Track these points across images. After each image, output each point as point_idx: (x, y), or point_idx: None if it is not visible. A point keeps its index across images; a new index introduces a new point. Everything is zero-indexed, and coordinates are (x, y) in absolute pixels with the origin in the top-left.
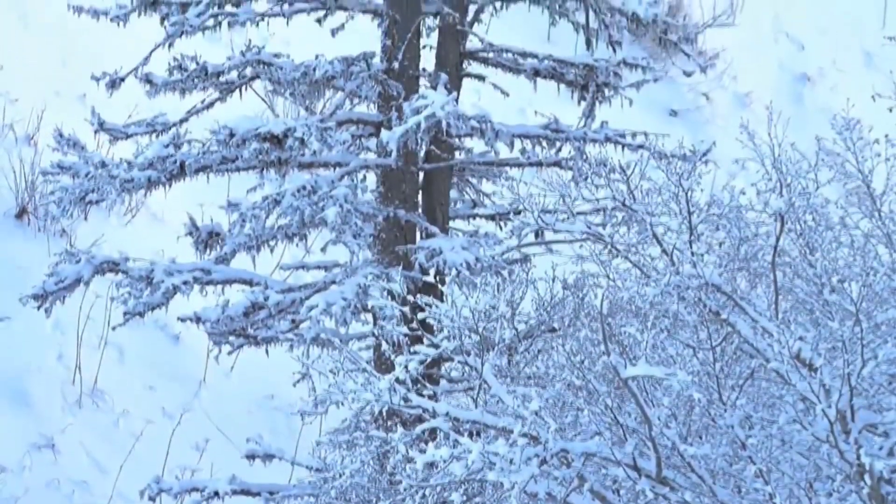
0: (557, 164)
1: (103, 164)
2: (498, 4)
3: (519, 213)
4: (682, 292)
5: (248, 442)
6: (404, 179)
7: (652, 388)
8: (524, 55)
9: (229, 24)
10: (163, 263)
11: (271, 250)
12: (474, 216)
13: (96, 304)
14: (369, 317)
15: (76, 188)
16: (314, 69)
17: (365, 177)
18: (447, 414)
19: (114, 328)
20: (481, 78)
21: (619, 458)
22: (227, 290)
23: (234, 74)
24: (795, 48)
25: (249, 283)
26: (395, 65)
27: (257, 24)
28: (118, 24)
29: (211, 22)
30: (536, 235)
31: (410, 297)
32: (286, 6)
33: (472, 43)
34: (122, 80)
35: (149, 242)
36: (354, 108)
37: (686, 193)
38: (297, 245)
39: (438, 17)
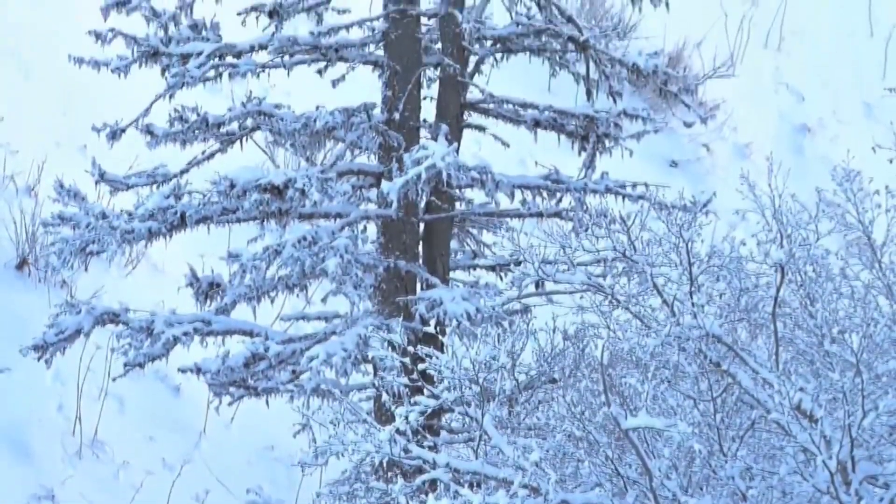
0: (558, 214)
1: (104, 216)
2: (498, 56)
3: (519, 263)
4: (683, 343)
5: (249, 493)
6: (405, 230)
7: (653, 439)
8: (524, 106)
9: (230, 76)
10: (163, 314)
11: (272, 301)
12: (475, 267)
13: (96, 356)
14: (370, 368)
15: (77, 239)
16: (315, 120)
17: (365, 227)
18: (447, 465)
19: (114, 379)
20: (482, 129)
21: None
22: (227, 341)
23: (234, 125)
24: (795, 99)
25: (250, 333)
26: (396, 116)
27: (258, 76)
28: (119, 76)
29: (212, 73)
30: (537, 286)
31: (411, 348)
32: (287, 57)
33: (472, 94)
34: (123, 130)
35: (149, 293)
36: (355, 158)
37: (686, 244)
38: (297, 296)
39: (439, 69)
